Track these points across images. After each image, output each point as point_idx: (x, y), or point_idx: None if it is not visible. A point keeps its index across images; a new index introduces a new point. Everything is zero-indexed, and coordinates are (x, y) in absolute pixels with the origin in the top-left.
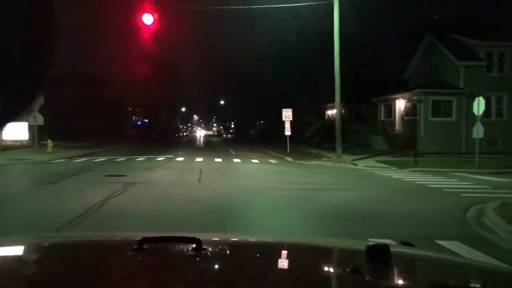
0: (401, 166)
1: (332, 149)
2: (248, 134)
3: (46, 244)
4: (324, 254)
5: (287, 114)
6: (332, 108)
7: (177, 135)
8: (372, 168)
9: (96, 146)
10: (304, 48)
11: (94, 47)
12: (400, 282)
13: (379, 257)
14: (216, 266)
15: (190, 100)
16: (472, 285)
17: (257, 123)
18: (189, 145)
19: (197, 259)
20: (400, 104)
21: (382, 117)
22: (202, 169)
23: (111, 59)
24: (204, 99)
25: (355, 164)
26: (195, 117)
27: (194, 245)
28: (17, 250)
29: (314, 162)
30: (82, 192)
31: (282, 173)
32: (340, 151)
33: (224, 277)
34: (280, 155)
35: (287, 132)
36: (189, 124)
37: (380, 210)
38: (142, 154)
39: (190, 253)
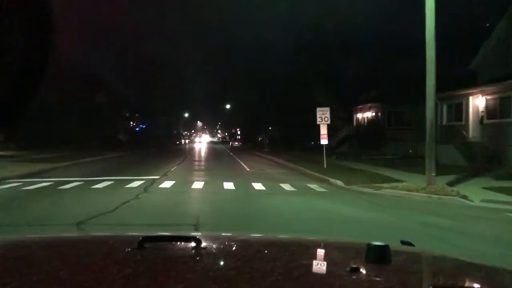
0: None
1: (379, 162)
2: (257, 141)
3: (46, 244)
4: (324, 253)
5: (323, 116)
6: (362, 110)
7: (178, 142)
8: (506, 205)
9: (66, 158)
10: (326, 42)
11: (82, 40)
12: (400, 281)
13: (379, 256)
14: (216, 265)
15: (193, 105)
16: (472, 285)
17: (266, 129)
18: (188, 156)
19: (197, 258)
20: (479, 102)
21: (446, 120)
22: (200, 216)
23: (100, 52)
24: (208, 104)
25: (465, 197)
26: (199, 123)
27: (194, 244)
28: (17, 250)
29: (388, 191)
30: None
31: (367, 229)
32: (433, 174)
33: (224, 276)
34: (318, 175)
35: (324, 141)
36: (193, 131)
37: None
38: (115, 174)
39: (190, 252)
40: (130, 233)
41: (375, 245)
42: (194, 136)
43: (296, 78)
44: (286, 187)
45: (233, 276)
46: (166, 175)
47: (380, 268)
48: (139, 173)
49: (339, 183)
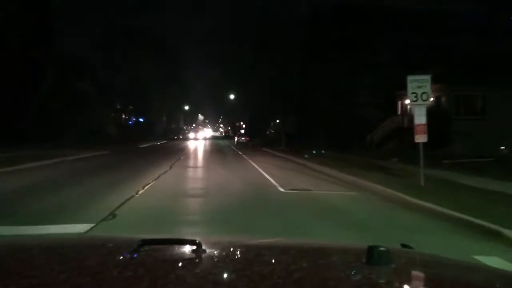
0: None
1: (488, 170)
2: (266, 136)
3: (45, 246)
4: (324, 256)
5: (419, 91)
6: None
7: (176, 137)
8: None
9: (14, 160)
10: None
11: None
12: (401, 284)
13: (380, 259)
14: (216, 269)
15: (195, 97)
16: (472, 287)
17: (272, 123)
18: (182, 158)
19: (197, 261)
20: None
21: None
22: None
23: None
24: (210, 95)
25: None
26: (200, 116)
27: (193, 248)
28: (16, 251)
29: None
30: None
31: None
32: None
33: (224, 279)
34: (444, 210)
35: (421, 138)
36: (194, 125)
37: None
38: (14, 211)
39: (190, 255)
40: (129, 236)
41: (376, 248)
42: (194, 130)
43: (316, 55)
44: None
45: (233, 279)
46: (115, 217)
47: (381, 271)
48: (66, 209)
49: None
